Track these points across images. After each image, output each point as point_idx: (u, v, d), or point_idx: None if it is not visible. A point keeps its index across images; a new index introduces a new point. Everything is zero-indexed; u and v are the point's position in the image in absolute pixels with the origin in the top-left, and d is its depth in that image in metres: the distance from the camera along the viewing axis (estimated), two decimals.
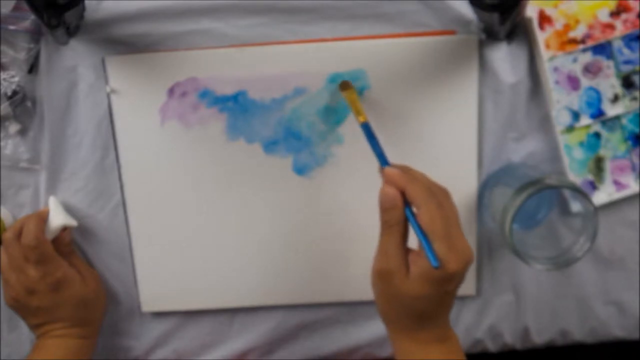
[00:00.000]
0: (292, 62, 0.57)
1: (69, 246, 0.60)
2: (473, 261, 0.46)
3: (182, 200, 0.60)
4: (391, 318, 0.49)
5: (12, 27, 0.56)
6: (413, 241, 0.46)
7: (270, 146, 0.59)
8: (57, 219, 0.58)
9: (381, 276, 0.46)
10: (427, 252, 0.44)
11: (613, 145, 0.58)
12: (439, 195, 0.46)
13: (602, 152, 0.58)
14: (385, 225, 0.46)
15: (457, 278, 0.45)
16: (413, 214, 0.45)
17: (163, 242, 0.61)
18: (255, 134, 0.59)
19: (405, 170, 0.47)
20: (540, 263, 0.53)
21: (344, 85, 0.55)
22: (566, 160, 0.58)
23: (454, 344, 0.50)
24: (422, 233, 0.44)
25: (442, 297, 0.46)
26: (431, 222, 0.44)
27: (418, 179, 0.46)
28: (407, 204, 0.45)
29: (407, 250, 0.46)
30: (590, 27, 0.56)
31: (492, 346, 0.65)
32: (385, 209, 0.46)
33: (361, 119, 0.51)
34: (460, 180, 0.59)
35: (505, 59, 0.57)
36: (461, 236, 0.45)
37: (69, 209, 0.60)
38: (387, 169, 0.47)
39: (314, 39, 0.57)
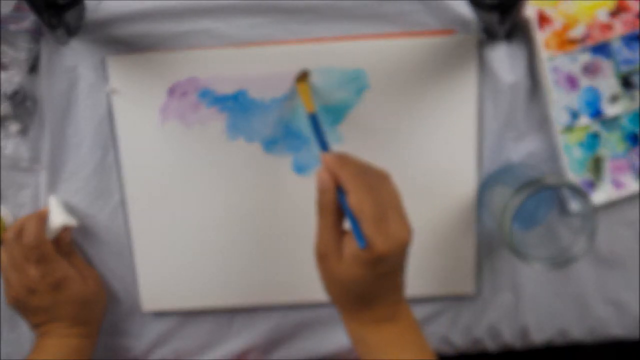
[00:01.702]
0: (292, 62, 0.57)
1: (69, 246, 0.60)
2: (408, 243, 0.46)
3: (182, 199, 0.60)
4: (335, 299, 0.49)
5: (12, 27, 0.56)
6: None
7: (270, 145, 0.59)
8: (58, 218, 0.58)
9: (319, 258, 0.47)
10: (354, 232, 0.44)
11: (612, 145, 0.58)
12: (372, 179, 0.46)
13: (602, 151, 0.58)
14: (320, 208, 0.47)
15: (389, 260, 0.45)
16: (344, 198, 0.46)
17: (163, 242, 0.61)
18: (255, 133, 0.59)
19: (341, 156, 0.48)
20: (539, 263, 0.53)
21: (302, 76, 0.56)
22: (565, 160, 0.58)
23: (406, 321, 0.49)
24: (352, 216, 0.45)
25: (377, 278, 0.46)
26: (359, 204, 0.44)
27: (350, 162, 0.47)
28: (340, 188, 0.46)
29: (342, 233, 0.46)
30: (590, 27, 0.56)
31: (491, 346, 0.65)
32: (319, 191, 0.46)
33: (310, 110, 0.53)
34: (460, 180, 0.60)
35: (504, 59, 0.57)
36: (398, 219, 0.45)
37: (69, 209, 0.60)
38: (323, 154, 0.48)
39: (314, 38, 0.57)
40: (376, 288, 0.47)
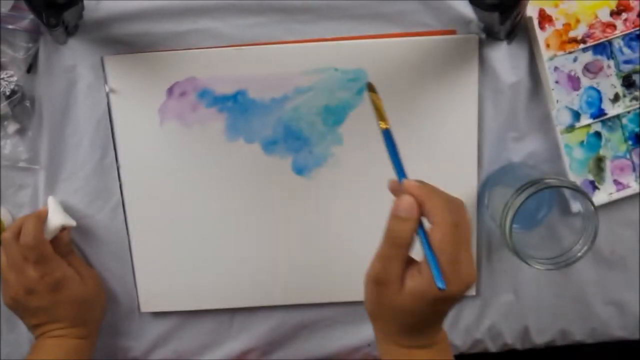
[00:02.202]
0: (292, 62, 0.57)
1: (68, 246, 0.60)
2: (473, 284, 0.45)
3: (181, 200, 0.60)
4: (377, 320, 0.48)
5: (10, 27, 0.55)
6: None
7: (269, 146, 0.59)
8: (56, 218, 0.58)
9: (375, 282, 0.45)
10: (434, 272, 0.41)
11: (613, 145, 0.58)
12: (456, 211, 0.43)
13: (603, 151, 0.58)
14: (392, 234, 0.43)
15: (453, 300, 0.44)
16: (424, 230, 0.43)
17: (162, 242, 0.61)
18: (255, 134, 0.58)
19: (426, 184, 0.45)
20: (540, 263, 0.53)
21: (371, 87, 0.51)
22: (566, 160, 0.58)
23: (441, 348, 0.48)
24: (431, 252, 0.42)
25: (435, 313, 0.45)
26: (442, 241, 0.42)
27: (437, 193, 0.44)
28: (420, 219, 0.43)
29: (407, 262, 0.44)
30: (591, 26, 0.56)
31: (492, 346, 0.65)
32: (397, 217, 0.43)
33: (383, 125, 0.48)
34: (460, 180, 0.59)
35: (505, 59, 0.57)
36: (468, 259, 0.43)
37: (68, 209, 0.60)
38: (407, 181, 0.44)
39: (314, 38, 0.57)
40: (429, 320, 0.46)
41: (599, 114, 0.58)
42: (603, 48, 0.57)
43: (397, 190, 0.45)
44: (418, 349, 0.47)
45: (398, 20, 0.56)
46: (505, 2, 0.48)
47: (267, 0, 0.56)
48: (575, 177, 0.58)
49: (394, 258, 0.43)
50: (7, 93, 0.57)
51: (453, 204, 0.43)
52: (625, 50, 0.57)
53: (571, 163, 0.58)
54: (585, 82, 0.57)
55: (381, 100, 0.49)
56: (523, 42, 0.57)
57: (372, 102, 0.49)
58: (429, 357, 0.47)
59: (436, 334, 0.48)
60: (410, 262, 0.44)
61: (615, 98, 0.58)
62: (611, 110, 0.58)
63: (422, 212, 0.43)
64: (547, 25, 0.56)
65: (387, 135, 0.47)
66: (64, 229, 0.59)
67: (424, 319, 0.45)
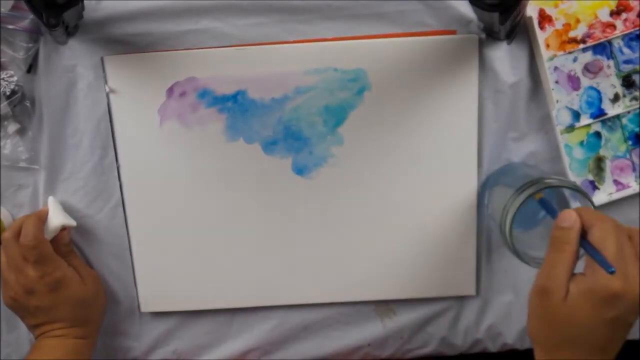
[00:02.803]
0: (292, 62, 0.57)
1: (68, 246, 0.60)
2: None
3: (181, 200, 0.60)
4: (540, 339, 0.46)
5: (10, 27, 0.55)
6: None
7: (269, 146, 0.59)
8: (56, 218, 0.58)
9: (540, 293, 0.45)
10: (598, 260, 0.42)
11: (613, 145, 0.58)
12: (623, 228, 0.44)
13: (603, 151, 0.58)
14: (557, 241, 0.45)
15: (620, 305, 0.42)
16: (587, 239, 0.44)
17: (162, 242, 0.61)
18: (255, 134, 0.58)
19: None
20: (540, 263, 0.53)
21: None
22: (566, 160, 0.58)
23: None
24: (593, 249, 0.43)
25: (601, 323, 0.43)
26: (602, 239, 0.43)
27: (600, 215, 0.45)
28: (584, 237, 0.45)
29: (572, 275, 0.44)
30: (591, 26, 0.56)
31: (492, 346, 0.65)
32: (561, 227, 0.45)
33: (538, 195, 0.51)
34: (460, 180, 0.59)
35: (505, 59, 0.57)
36: (636, 265, 0.42)
37: (67, 209, 0.60)
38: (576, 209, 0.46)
39: (314, 38, 0.57)
40: (591, 333, 0.43)
41: (599, 114, 0.58)
42: (603, 48, 0.57)
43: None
44: None
45: (398, 20, 0.56)
46: (505, 2, 0.48)
47: (267, 0, 0.56)
48: (575, 177, 0.58)
49: (558, 264, 0.44)
50: (7, 93, 0.57)
51: (619, 224, 0.44)
52: (625, 50, 0.57)
53: (571, 163, 0.58)
54: (585, 82, 0.57)
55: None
56: (523, 42, 0.57)
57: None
58: None
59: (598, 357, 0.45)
60: (574, 275, 0.44)
61: (615, 98, 0.58)
62: (611, 110, 0.58)
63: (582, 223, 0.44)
64: (547, 25, 0.56)
65: (544, 202, 0.51)
66: (64, 229, 0.59)
67: (589, 330, 0.43)
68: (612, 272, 0.41)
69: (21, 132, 0.59)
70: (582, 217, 0.45)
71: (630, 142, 0.58)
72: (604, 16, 0.56)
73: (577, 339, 0.44)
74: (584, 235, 0.45)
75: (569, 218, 0.45)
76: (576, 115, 0.58)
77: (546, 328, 0.45)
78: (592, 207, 0.52)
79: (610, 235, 0.43)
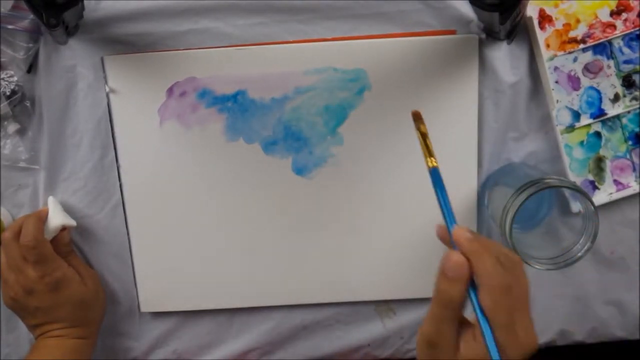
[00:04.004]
0: (292, 62, 0.57)
1: (68, 246, 0.60)
2: (535, 351, 0.40)
3: (181, 200, 0.60)
4: None
5: (11, 27, 0.55)
6: None
7: (269, 146, 0.59)
8: (56, 218, 0.58)
9: (428, 345, 0.41)
10: (487, 343, 0.38)
11: (613, 145, 0.58)
12: (509, 272, 0.39)
13: (603, 151, 0.58)
14: (442, 296, 0.40)
15: None
16: (476, 293, 0.39)
17: (162, 242, 0.61)
18: (255, 134, 0.58)
19: (475, 236, 0.41)
20: (540, 263, 0.53)
21: (416, 116, 0.47)
22: (566, 160, 0.58)
23: None
24: (484, 317, 0.39)
25: None
26: (494, 307, 0.38)
27: (488, 249, 0.40)
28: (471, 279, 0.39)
29: (461, 323, 0.41)
30: (591, 26, 0.56)
31: None
32: (447, 277, 0.39)
33: (431, 164, 0.43)
34: (460, 180, 0.59)
35: (505, 59, 0.57)
36: (526, 323, 0.40)
37: (67, 209, 0.60)
38: (457, 229, 0.41)
39: (314, 38, 0.57)
40: None
41: (599, 114, 0.58)
42: (603, 48, 0.57)
43: (445, 238, 0.42)
44: None
45: (398, 20, 0.56)
46: (505, 2, 0.48)
47: (267, 0, 0.56)
48: (575, 177, 0.58)
49: (445, 320, 0.40)
50: (7, 93, 0.57)
51: (507, 263, 0.40)
52: (625, 50, 0.57)
53: (571, 163, 0.58)
54: (585, 82, 0.57)
55: (426, 132, 0.45)
56: (523, 42, 0.57)
57: (420, 136, 0.45)
58: None
59: None
60: (464, 323, 0.41)
61: (615, 98, 0.58)
62: (611, 110, 0.58)
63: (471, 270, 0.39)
64: (547, 25, 0.56)
65: (436, 175, 0.42)
66: (64, 229, 0.59)
67: None
68: None
69: (21, 132, 0.59)
70: (472, 266, 0.39)
71: (630, 142, 0.58)
72: (604, 16, 0.56)
73: None
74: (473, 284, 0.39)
75: (456, 268, 0.39)
76: (576, 115, 0.58)
77: None
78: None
79: (501, 302, 0.39)
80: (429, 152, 0.43)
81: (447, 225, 0.41)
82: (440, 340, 0.40)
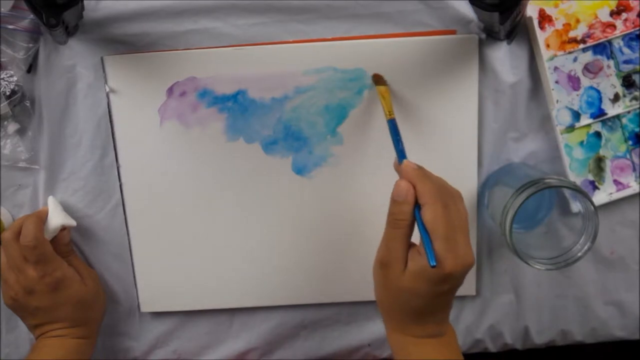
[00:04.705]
0: (292, 62, 0.57)
1: (68, 246, 0.60)
2: (472, 266, 0.46)
3: (182, 200, 0.60)
4: (385, 308, 0.50)
5: (10, 27, 0.55)
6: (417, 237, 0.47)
7: (269, 146, 0.59)
8: (56, 218, 0.58)
9: (381, 266, 0.48)
10: (426, 249, 0.44)
11: (613, 145, 0.58)
12: (448, 197, 0.46)
13: (603, 151, 0.58)
14: (392, 217, 0.47)
15: (452, 280, 0.46)
16: (419, 212, 0.46)
17: (162, 242, 0.61)
18: (255, 134, 0.58)
19: (421, 168, 0.48)
20: (540, 263, 0.53)
21: (377, 79, 0.56)
22: (566, 160, 0.58)
23: (448, 340, 0.50)
24: (425, 230, 0.45)
25: (436, 295, 0.46)
26: (434, 220, 0.44)
27: (430, 177, 0.47)
28: (416, 201, 0.46)
29: (409, 245, 0.47)
30: (591, 26, 0.56)
31: (492, 346, 0.65)
32: (395, 201, 0.46)
33: (389, 116, 0.53)
34: (460, 180, 0.59)
35: (505, 59, 0.57)
36: (464, 241, 0.46)
37: (67, 209, 0.60)
38: (405, 162, 0.49)
39: (314, 38, 0.57)
40: (432, 305, 0.47)
41: (599, 114, 0.58)
42: (603, 48, 0.57)
43: (399, 170, 0.49)
44: (426, 339, 0.48)
45: (398, 20, 0.56)
46: (505, 2, 0.48)
47: (267, 0, 0.56)
48: (575, 177, 0.58)
49: (395, 239, 0.46)
50: (7, 93, 0.57)
51: (445, 190, 0.47)
52: (625, 50, 0.57)
53: (571, 163, 0.58)
54: (585, 82, 0.57)
55: (389, 90, 0.55)
56: (523, 42, 0.57)
57: (380, 95, 0.54)
58: (436, 348, 0.49)
59: (442, 323, 0.49)
60: (412, 246, 0.47)
61: (615, 98, 0.58)
62: (611, 110, 0.58)
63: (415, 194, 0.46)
64: (547, 25, 0.56)
65: (393, 124, 0.52)
66: (64, 229, 0.59)
67: (427, 302, 0.47)
68: (433, 266, 0.44)
69: (21, 132, 0.59)
70: (416, 190, 0.46)
71: (630, 142, 0.58)
72: (604, 16, 0.56)
73: (416, 307, 0.47)
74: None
75: (402, 192, 0.46)
76: (576, 115, 0.58)
77: (389, 297, 0.49)
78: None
79: (440, 216, 0.44)
80: (388, 107, 0.53)
81: (399, 160, 0.50)
82: (391, 259, 0.46)
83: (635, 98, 0.57)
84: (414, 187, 0.46)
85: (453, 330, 0.51)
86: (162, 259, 0.61)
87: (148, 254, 0.61)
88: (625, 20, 0.56)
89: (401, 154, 0.50)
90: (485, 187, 0.60)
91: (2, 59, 0.56)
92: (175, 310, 0.63)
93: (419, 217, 0.45)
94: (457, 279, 0.46)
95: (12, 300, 0.57)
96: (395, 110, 0.58)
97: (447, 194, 0.46)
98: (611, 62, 0.57)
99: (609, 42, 0.56)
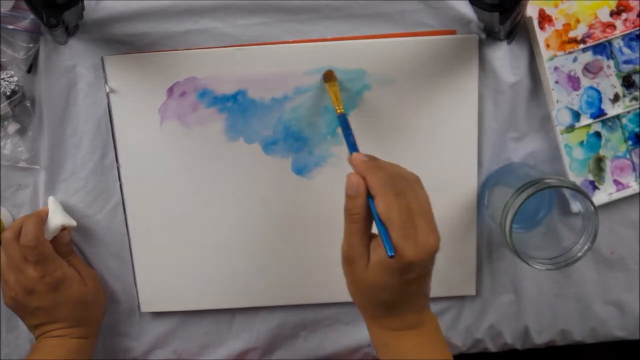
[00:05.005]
0: (292, 62, 0.57)
1: (68, 246, 0.60)
2: (436, 252, 0.45)
3: (181, 200, 0.60)
4: (359, 303, 0.49)
5: (11, 27, 0.55)
6: None
7: (269, 146, 0.59)
8: (57, 218, 0.58)
9: (345, 262, 0.47)
10: (383, 240, 0.43)
11: (613, 145, 0.58)
12: (403, 183, 0.45)
13: (603, 151, 0.58)
14: (348, 212, 0.46)
15: (416, 268, 0.44)
16: (373, 203, 0.45)
17: (162, 242, 0.61)
18: (255, 134, 0.58)
19: (371, 158, 0.47)
20: (540, 263, 0.53)
21: (328, 76, 0.56)
22: (566, 160, 0.58)
23: (430, 329, 0.49)
24: (380, 222, 0.44)
25: (403, 285, 0.45)
26: (387, 210, 0.43)
27: (380, 167, 0.46)
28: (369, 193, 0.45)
29: (370, 238, 0.46)
30: (591, 26, 0.56)
31: (492, 346, 0.65)
32: (348, 196, 0.45)
33: (339, 111, 0.53)
34: (460, 180, 0.59)
35: (505, 59, 0.57)
36: (424, 225, 0.44)
37: (68, 209, 0.60)
38: (355, 154, 0.48)
39: (314, 38, 0.57)
40: (402, 295, 0.46)
41: (599, 114, 0.58)
42: (603, 48, 0.57)
43: (351, 164, 0.48)
44: (405, 330, 0.48)
45: (398, 20, 0.56)
46: (505, 2, 0.48)
47: (267, 0, 0.56)
48: (575, 177, 0.58)
49: (353, 234, 0.46)
50: (8, 93, 0.57)
51: (398, 177, 0.45)
52: (625, 50, 0.57)
53: (571, 163, 0.58)
54: (585, 82, 0.57)
55: (337, 86, 0.55)
56: (523, 42, 0.57)
57: (329, 91, 0.55)
58: (414, 340, 0.48)
59: (420, 313, 0.48)
60: (373, 237, 0.46)
61: (615, 98, 0.58)
62: (611, 110, 0.58)
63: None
64: (547, 25, 0.56)
65: (343, 118, 0.52)
66: (64, 229, 0.59)
67: (396, 292, 0.46)
68: (391, 257, 0.43)
69: (21, 132, 0.59)
70: (367, 181, 0.45)
71: (630, 142, 0.58)
72: (604, 16, 0.56)
73: (386, 300, 0.47)
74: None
75: (353, 186, 0.45)
76: (576, 115, 0.58)
77: (359, 292, 0.48)
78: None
79: (393, 205, 0.43)
80: (338, 102, 0.54)
81: (350, 153, 0.49)
82: (354, 253, 0.46)
83: (635, 98, 0.57)
84: (365, 179, 0.45)
85: (434, 319, 0.50)
86: (162, 259, 0.61)
87: (148, 254, 0.61)
88: (625, 20, 0.56)
89: (352, 147, 0.49)
90: (485, 187, 0.60)
91: (2, 59, 0.56)
92: (175, 310, 0.63)
93: (373, 208, 0.44)
94: (421, 265, 0.45)
95: (12, 301, 0.57)
96: (395, 110, 0.58)
97: (401, 181, 0.45)
98: (611, 62, 0.57)
99: (609, 42, 0.56)
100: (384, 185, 0.44)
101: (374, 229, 0.46)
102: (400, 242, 0.43)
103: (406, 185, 0.45)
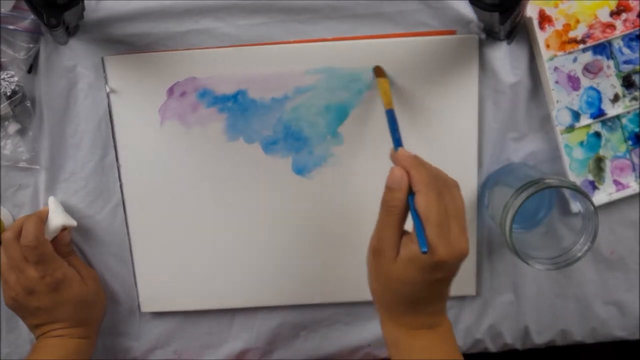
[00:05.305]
0: (292, 62, 0.57)
1: (69, 246, 0.60)
2: (466, 256, 0.45)
3: (182, 200, 0.60)
4: (379, 297, 0.49)
5: (11, 27, 0.55)
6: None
7: (269, 146, 0.59)
8: (57, 219, 0.58)
9: (373, 254, 0.47)
10: (417, 235, 0.44)
11: (613, 145, 0.58)
12: (443, 185, 0.46)
13: (603, 152, 0.58)
14: (386, 204, 0.46)
15: (445, 268, 0.45)
16: (413, 199, 0.45)
17: (163, 242, 0.61)
18: (255, 134, 0.58)
19: (416, 156, 0.48)
20: (540, 263, 0.53)
21: (379, 72, 0.56)
22: (566, 160, 0.58)
23: (444, 331, 0.49)
24: (417, 217, 0.44)
25: (429, 284, 0.46)
26: (427, 207, 0.44)
27: (425, 165, 0.47)
28: (411, 189, 0.46)
29: (402, 233, 0.46)
30: (591, 26, 0.56)
31: (492, 346, 0.65)
32: (390, 188, 0.46)
33: (388, 106, 0.53)
34: (460, 180, 0.59)
35: (505, 59, 0.57)
36: (458, 230, 0.45)
37: (68, 209, 0.60)
38: (401, 150, 0.48)
39: (314, 38, 0.57)
40: (424, 294, 0.47)
41: (598, 114, 0.58)
42: (603, 48, 0.57)
43: (394, 159, 0.49)
44: (419, 329, 0.48)
45: (398, 20, 0.56)
46: (505, 2, 0.48)
47: (267, 0, 0.56)
48: (575, 177, 0.58)
49: (387, 226, 0.46)
50: (8, 93, 0.57)
51: (440, 178, 0.46)
52: (625, 50, 0.57)
53: (571, 163, 0.58)
54: (585, 82, 0.57)
55: (388, 82, 0.55)
56: (523, 42, 0.57)
57: (380, 87, 0.55)
58: (430, 340, 0.48)
59: (437, 315, 0.49)
60: (406, 234, 0.47)
61: (615, 98, 0.58)
62: (611, 111, 0.58)
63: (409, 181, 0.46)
64: (547, 26, 0.56)
65: (391, 115, 0.52)
66: (64, 229, 0.59)
67: (420, 290, 0.46)
68: (424, 252, 0.43)
69: (22, 132, 0.59)
70: (410, 177, 0.45)
71: (630, 142, 0.58)
72: (604, 16, 0.56)
73: (409, 296, 0.47)
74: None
75: (396, 179, 0.46)
76: (576, 116, 0.58)
77: (382, 285, 0.48)
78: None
79: (433, 204, 0.44)
80: (387, 98, 0.54)
81: (395, 148, 0.50)
82: (383, 246, 0.46)
83: (635, 98, 0.58)
84: (408, 175, 0.46)
85: (449, 323, 0.50)
86: (162, 259, 0.61)
87: (148, 254, 0.61)
88: (625, 20, 0.56)
89: (397, 142, 0.50)
90: (485, 187, 0.60)
91: (2, 60, 0.56)
92: (176, 310, 0.63)
93: (412, 204, 0.45)
94: (449, 267, 0.46)
95: (12, 301, 0.57)
96: (395, 110, 0.58)
97: (442, 183, 0.46)
98: (611, 63, 0.57)
99: (609, 42, 0.56)
100: (428, 183, 0.45)
101: (407, 226, 0.46)
102: (434, 240, 0.43)
103: (446, 188, 0.46)
